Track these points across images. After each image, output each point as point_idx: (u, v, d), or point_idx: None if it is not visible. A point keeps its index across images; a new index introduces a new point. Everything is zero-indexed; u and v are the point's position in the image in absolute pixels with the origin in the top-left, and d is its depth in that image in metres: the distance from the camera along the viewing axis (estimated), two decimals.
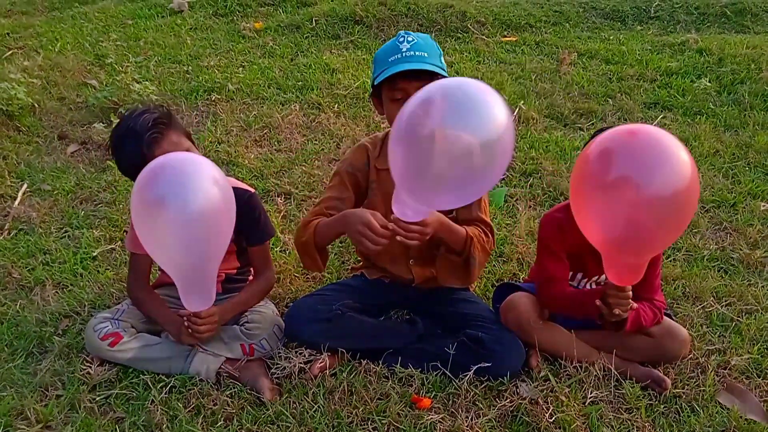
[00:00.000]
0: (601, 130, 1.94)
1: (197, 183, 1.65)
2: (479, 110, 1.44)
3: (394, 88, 1.88)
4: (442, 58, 1.94)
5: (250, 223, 2.07)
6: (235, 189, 2.06)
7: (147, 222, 1.66)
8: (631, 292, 1.76)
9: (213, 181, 1.68)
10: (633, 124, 1.60)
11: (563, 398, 1.85)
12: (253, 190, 2.12)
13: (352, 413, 1.83)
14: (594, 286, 2.05)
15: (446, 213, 2.03)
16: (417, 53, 1.86)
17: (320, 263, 2.04)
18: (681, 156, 1.45)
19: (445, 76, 1.89)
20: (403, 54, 1.87)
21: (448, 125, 1.44)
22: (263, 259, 2.15)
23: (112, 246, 2.65)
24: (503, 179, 3.17)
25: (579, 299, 1.91)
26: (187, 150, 1.90)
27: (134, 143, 1.83)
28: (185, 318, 1.90)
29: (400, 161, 1.53)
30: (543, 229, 2.02)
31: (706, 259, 2.56)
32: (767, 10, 5.53)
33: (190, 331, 1.91)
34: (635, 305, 1.79)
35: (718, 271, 2.51)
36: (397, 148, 1.52)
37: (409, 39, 1.89)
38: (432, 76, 1.84)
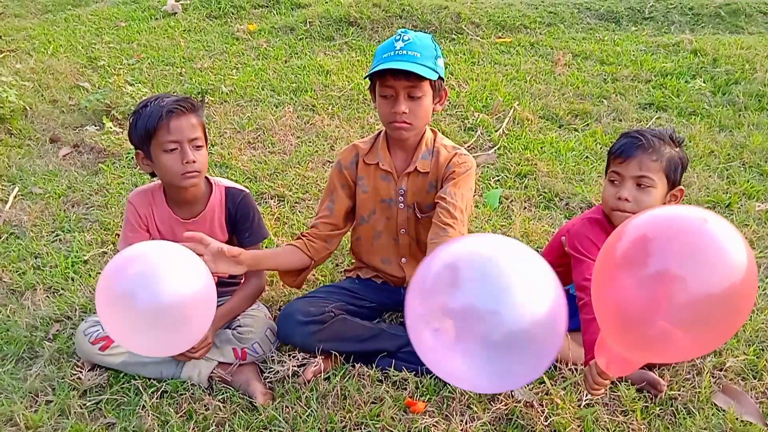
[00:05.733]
0: None
1: (167, 275, 1.53)
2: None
3: (384, 84, 1.90)
4: (440, 61, 1.93)
5: (243, 223, 2.06)
6: (230, 189, 2.06)
7: (115, 316, 1.55)
8: (609, 382, 1.63)
9: (185, 269, 1.58)
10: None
11: (558, 401, 1.84)
12: (247, 191, 2.11)
13: (345, 418, 1.82)
14: None
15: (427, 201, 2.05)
16: (409, 52, 1.86)
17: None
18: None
19: (441, 78, 1.90)
20: (396, 52, 1.87)
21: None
22: None
23: (104, 249, 2.63)
24: (498, 180, 3.16)
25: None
26: (196, 139, 1.86)
27: (157, 106, 1.84)
28: None
29: None
30: (585, 230, 1.90)
31: None
32: (761, 11, 5.55)
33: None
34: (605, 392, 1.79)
35: None
36: None
37: (405, 38, 1.89)
38: (424, 77, 1.85)
